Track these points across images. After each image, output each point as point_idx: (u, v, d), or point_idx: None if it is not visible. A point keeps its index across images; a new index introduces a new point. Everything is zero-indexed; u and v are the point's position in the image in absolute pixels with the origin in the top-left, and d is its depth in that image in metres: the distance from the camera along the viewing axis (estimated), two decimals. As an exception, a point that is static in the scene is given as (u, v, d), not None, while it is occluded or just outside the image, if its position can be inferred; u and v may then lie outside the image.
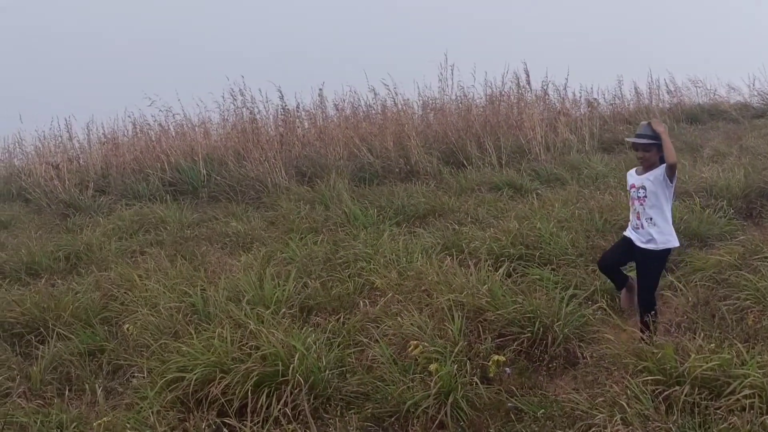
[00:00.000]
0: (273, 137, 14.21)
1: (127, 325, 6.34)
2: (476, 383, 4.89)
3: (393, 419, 4.78)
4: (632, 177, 5.67)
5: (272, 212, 10.94)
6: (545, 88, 16.35)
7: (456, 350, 5.16)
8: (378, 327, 5.81)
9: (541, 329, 5.56)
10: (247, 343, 5.35)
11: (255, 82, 14.76)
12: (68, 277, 8.29)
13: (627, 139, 5.70)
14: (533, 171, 12.28)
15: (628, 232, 5.67)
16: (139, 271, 7.77)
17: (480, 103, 15.86)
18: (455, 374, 4.91)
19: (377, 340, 5.57)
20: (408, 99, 16.02)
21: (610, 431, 3.91)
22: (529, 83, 15.87)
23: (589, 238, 7.80)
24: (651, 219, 5.45)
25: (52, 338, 6.28)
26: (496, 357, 5.08)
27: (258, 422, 4.60)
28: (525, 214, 8.88)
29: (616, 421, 4.03)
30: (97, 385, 5.31)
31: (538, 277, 6.78)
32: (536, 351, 5.46)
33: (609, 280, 6.11)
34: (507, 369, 5.14)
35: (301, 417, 4.71)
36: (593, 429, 4.07)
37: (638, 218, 5.53)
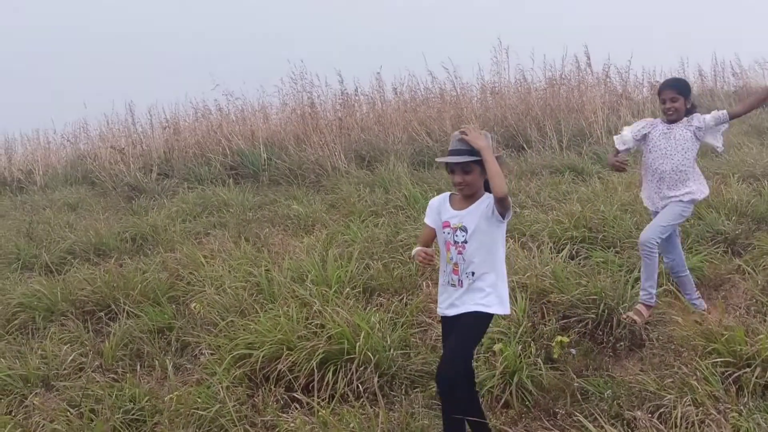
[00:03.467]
0: (332, 121, 14.30)
1: (194, 304, 6.47)
2: (541, 364, 4.89)
3: (458, 398, 4.80)
4: (444, 209, 3.99)
5: (332, 195, 11.02)
6: (606, 70, 16.12)
7: (520, 331, 5.16)
8: (441, 307, 5.83)
9: (606, 311, 5.52)
10: (312, 322, 5.42)
11: (314, 67, 14.86)
12: (135, 258, 8.49)
13: (438, 160, 4.07)
14: (595, 154, 12.13)
15: (440, 306, 4.05)
16: (204, 251, 7.92)
17: (540, 86, 15.70)
18: (520, 355, 4.91)
19: (440, 320, 5.59)
20: (466, 83, 16.00)
21: (679, 412, 3.87)
22: (589, 66, 15.68)
23: (653, 221, 7.69)
24: (474, 275, 3.82)
25: (122, 316, 6.46)
26: (560, 338, 5.06)
27: (324, 398, 4.66)
28: (587, 197, 8.79)
29: (685, 402, 3.99)
30: (167, 361, 5.44)
31: (601, 259, 6.72)
32: (601, 333, 5.42)
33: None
34: (572, 350, 5.12)
35: (366, 394, 4.77)
36: (662, 410, 4.03)
37: (455, 272, 3.87)
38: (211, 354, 5.46)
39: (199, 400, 4.65)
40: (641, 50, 16.59)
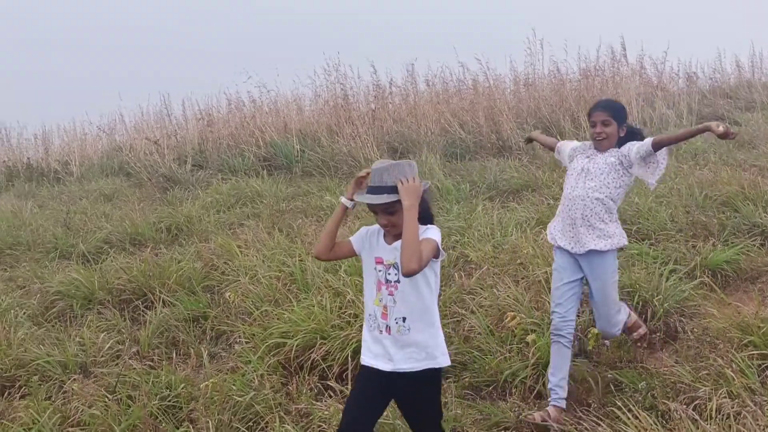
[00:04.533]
0: (365, 113, 14.32)
1: (228, 293, 6.54)
2: (574, 355, 4.87)
3: (491, 388, 4.82)
4: (378, 243, 3.46)
5: (365, 187, 11.02)
6: (641, 61, 15.96)
7: (554, 322, 5.14)
8: (474, 298, 5.84)
9: (641, 303, 5.50)
10: (345, 312, 5.47)
11: (347, 58, 14.88)
12: (170, 247, 8.59)
13: (356, 198, 3.39)
14: (629, 146, 12.02)
15: (366, 355, 3.48)
16: (238, 242, 7.99)
17: (574, 77, 15.60)
18: (553, 346, 4.90)
19: (473, 311, 5.61)
20: (499, 74, 15.93)
21: (715, 404, 3.85)
22: (625, 57, 15.54)
23: (689, 213, 7.62)
24: (405, 320, 3.33)
25: (158, 304, 6.54)
26: (594, 330, 5.04)
27: (358, 388, 4.69)
28: (621, 189, 8.71)
29: (721, 394, 3.96)
30: (202, 349, 5.51)
31: (636, 251, 6.68)
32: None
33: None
34: (606, 342, 5.10)
35: (399, 384, 4.79)
36: (697, 401, 4.01)
37: (384, 316, 3.36)
38: (246, 342, 5.52)
39: (234, 387, 4.71)
40: (677, 40, 16.35)
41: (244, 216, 9.91)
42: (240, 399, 4.55)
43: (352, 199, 3.43)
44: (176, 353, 5.64)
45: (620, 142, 4.69)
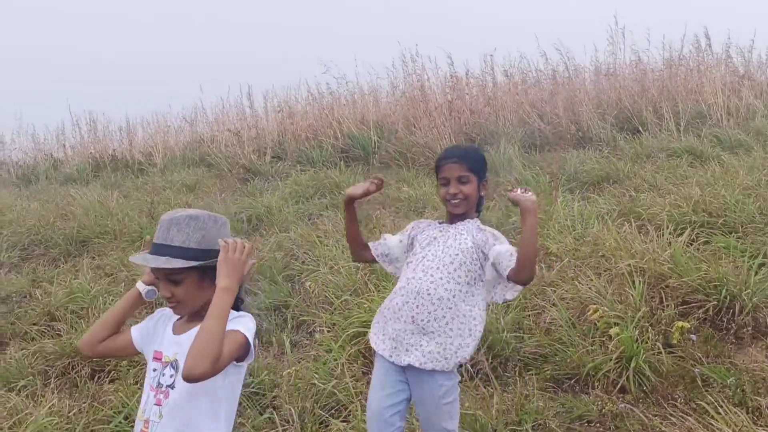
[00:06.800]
0: (441, 104, 14.28)
1: (308, 283, 6.62)
2: (659, 349, 4.79)
3: (573, 381, 4.77)
4: (162, 332, 2.72)
5: (443, 178, 11.01)
6: (727, 50, 15.50)
7: (638, 316, 5.06)
8: (555, 291, 5.78)
9: (728, 298, 5.35)
10: (425, 302, 5.47)
11: (424, 49, 14.84)
12: (251, 237, 8.73)
13: (131, 259, 2.67)
14: (714, 137, 11.70)
15: None
16: (318, 232, 8.08)
17: (656, 67, 15.25)
18: (637, 339, 4.83)
19: (554, 303, 5.56)
20: (579, 64, 15.70)
21: (809, 401, 3.74)
22: (710, 47, 15.11)
23: (778, 206, 7.39)
24: None
25: (241, 293, 6.64)
26: (680, 323, 4.94)
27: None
28: (707, 181, 8.49)
29: (815, 391, 3.85)
30: (284, 338, 5.59)
31: (723, 244, 6.50)
32: (722, 320, 5.26)
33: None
34: (692, 336, 4.99)
35: (480, 374, 4.79)
36: (789, 399, 3.90)
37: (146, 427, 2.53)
38: (327, 331, 5.58)
39: (317, 375, 4.77)
40: (765, 28, 15.80)
41: (323, 207, 10.00)
42: (322, 386, 4.61)
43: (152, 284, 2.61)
44: (259, 341, 5.74)
45: (479, 205, 3.57)
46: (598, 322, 5.09)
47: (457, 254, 3.33)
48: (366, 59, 15.33)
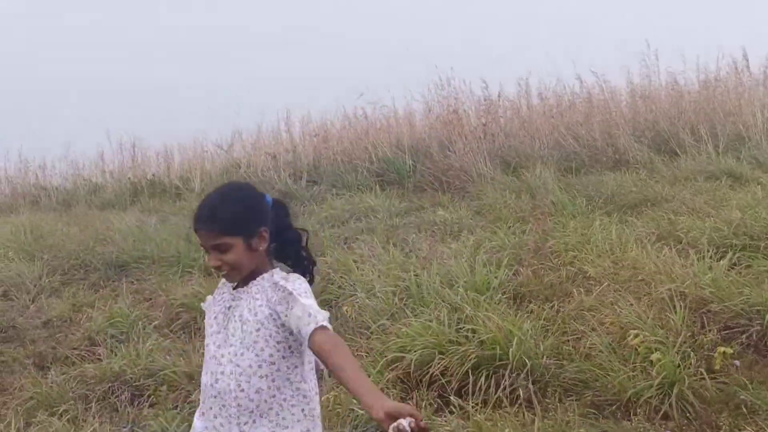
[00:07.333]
0: (476, 127, 14.28)
1: (345, 307, 6.63)
2: (702, 375, 4.72)
3: (614, 407, 4.71)
4: None
5: (478, 201, 11.01)
6: (765, 71, 15.35)
7: (679, 341, 5.00)
8: (594, 315, 5.73)
9: (773, 323, 5.28)
10: (463, 327, 5.45)
11: (460, 73, 14.88)
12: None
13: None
14: (754, 159, 11.57)
15: None
16: (354, 256, 8.08)
17: (693, 89, 15.14)
18: (679, 365, 4.77)
19: (594, 328, 5.51)
20: (614, 86, 15.63)
21: None
22: (747, 68, 14.98)
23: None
24: None
25: (278, 318, 6.67)
26: (722, 349, 4.87)
27: (478, 403, 4.68)
28: (747, 204, 8.39)
29: None
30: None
31: (765, 268, 6.41)
32: (766, 345, 5.19)
33: None
34: (735, 362, 4.91)
35: (519, 401, 4.75)
36: (839, 427, 3.82)
37: None
38: (365, 356, 5.58)
39: (355, 400, 4.76)
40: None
41: (359, 231, 10.01)
42: (361, 412, 4.60)
43: None
44: (297, 365, 5.74)
45: (281, 250, 2.90)
46: (639, 347, 5.04)
47: (258, 329, 2.69)
48: (401, 80, 15.33)
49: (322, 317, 2.58)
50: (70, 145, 17.76)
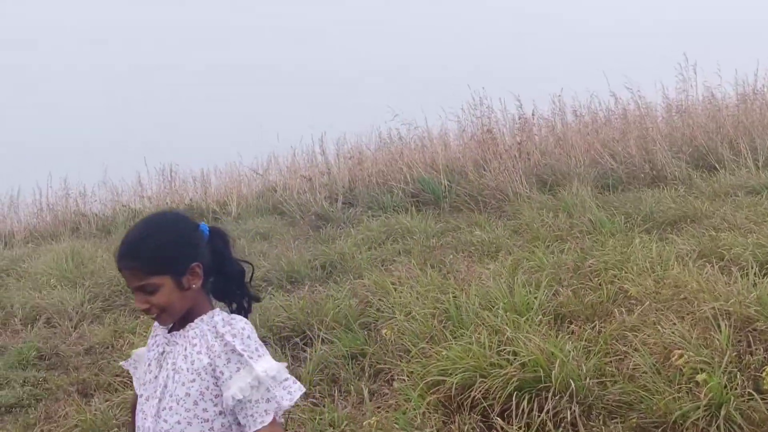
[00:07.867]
0: (511, 146, 14.25)
1: (384, 330, 6.62)
2: (750, 395, 4.63)
3: (660, 430, 4.64)
4: None
5: (514, 221, 10.96)
6: (805, 82, 15.14)
7: (725, 361, 4.92)
8: (636, 336, 5.65)
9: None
10: (504, 349, 5.41)
11: (494, 92, 14.91)
12: (325, 285, 8.79)
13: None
14: (795, 173, 11.41)
15: None
16: (392, 278, 8.07)
17: (730, 102, 14.97)
18: (726, 386, 4.68)
19: (637, 348, 5.43)
20: (650, 102, 15.53)
21: None
22: (785, 79, 14.80)
23: None
24: None
25: (317, 341, 6.69)
26: (770, 368, 4.78)
27: (521, 426, 4.63)
28: (791, 219, 8.27)
29: None
30: (362, 386, 5.59)
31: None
32: (816, 364, 5.08)
33: None
34: (786, 382, 4.81)
35: (563, 424, 4.69)
36: None
37: None
38: (405, 380, 5.56)
39: (397, 426, 4.74)
40: None
41: (396, 252, 10.01)
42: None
43: None
44: (337, 390, 5.75)
45: (221, 286, 2.73)
46: (684, 367, 4.95)
47: (194, 380, 2.42)
48: (435, 101, 15.41)
49: (275, 405, 2.48)
50: (107, 170, 18.02)
